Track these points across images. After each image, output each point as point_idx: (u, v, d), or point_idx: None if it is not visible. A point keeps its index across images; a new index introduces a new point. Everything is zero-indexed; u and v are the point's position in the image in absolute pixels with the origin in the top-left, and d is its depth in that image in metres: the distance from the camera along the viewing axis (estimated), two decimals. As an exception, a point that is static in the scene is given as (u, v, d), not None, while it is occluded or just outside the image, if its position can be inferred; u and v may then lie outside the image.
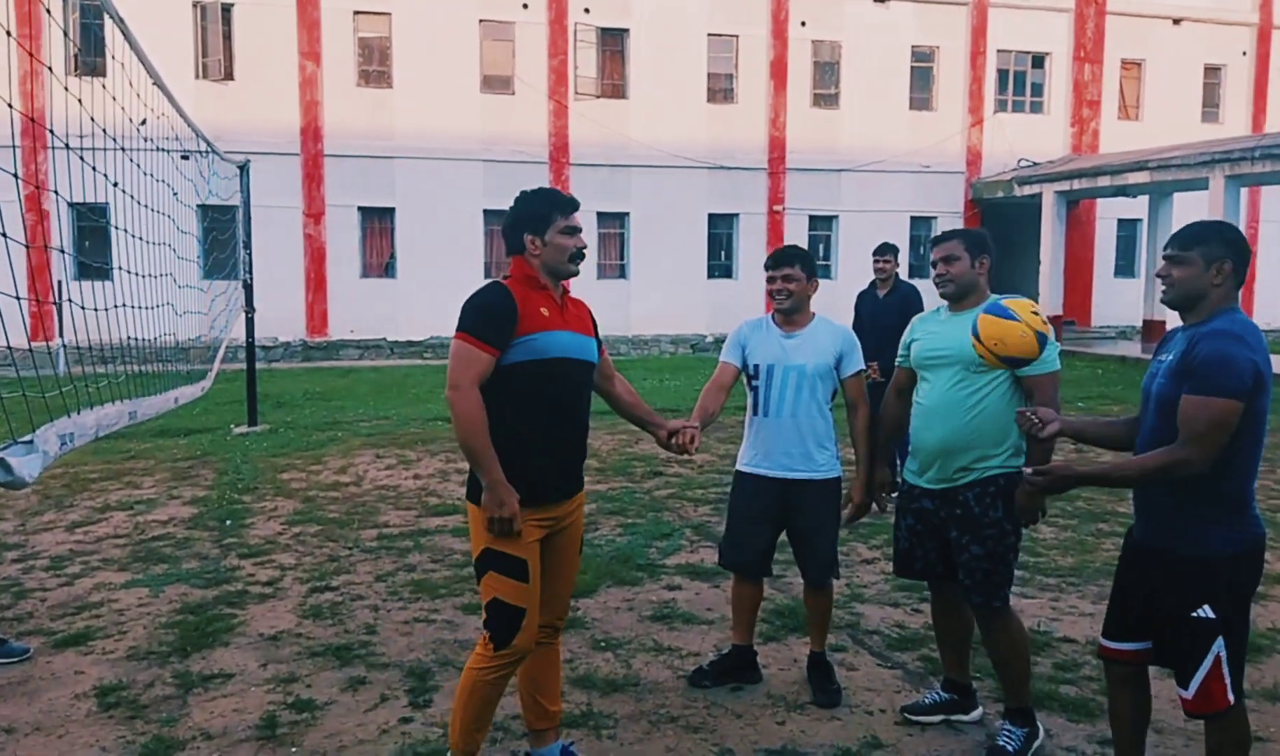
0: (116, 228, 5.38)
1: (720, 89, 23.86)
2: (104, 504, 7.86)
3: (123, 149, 5.05)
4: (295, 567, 6.12)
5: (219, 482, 8.63)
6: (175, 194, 6.38)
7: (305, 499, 8.01)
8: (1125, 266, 26.57)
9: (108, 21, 4.69)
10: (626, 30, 22.96)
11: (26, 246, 3.93)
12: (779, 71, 23.78)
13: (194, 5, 20.67)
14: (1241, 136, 22.97)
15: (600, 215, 22.45)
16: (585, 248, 3.45)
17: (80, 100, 4.22)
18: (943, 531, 3.82)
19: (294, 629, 5.06)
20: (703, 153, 23.37)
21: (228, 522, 7.24)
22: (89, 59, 19.49)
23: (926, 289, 5.36)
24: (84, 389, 4.32)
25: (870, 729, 3.95)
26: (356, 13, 21.46)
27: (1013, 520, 3.69)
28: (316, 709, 4.12)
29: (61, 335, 14.54)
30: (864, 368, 4.29)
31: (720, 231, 24.18)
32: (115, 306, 4.96)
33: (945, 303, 3.95)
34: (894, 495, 4.22)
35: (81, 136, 4.25)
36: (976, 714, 4.02)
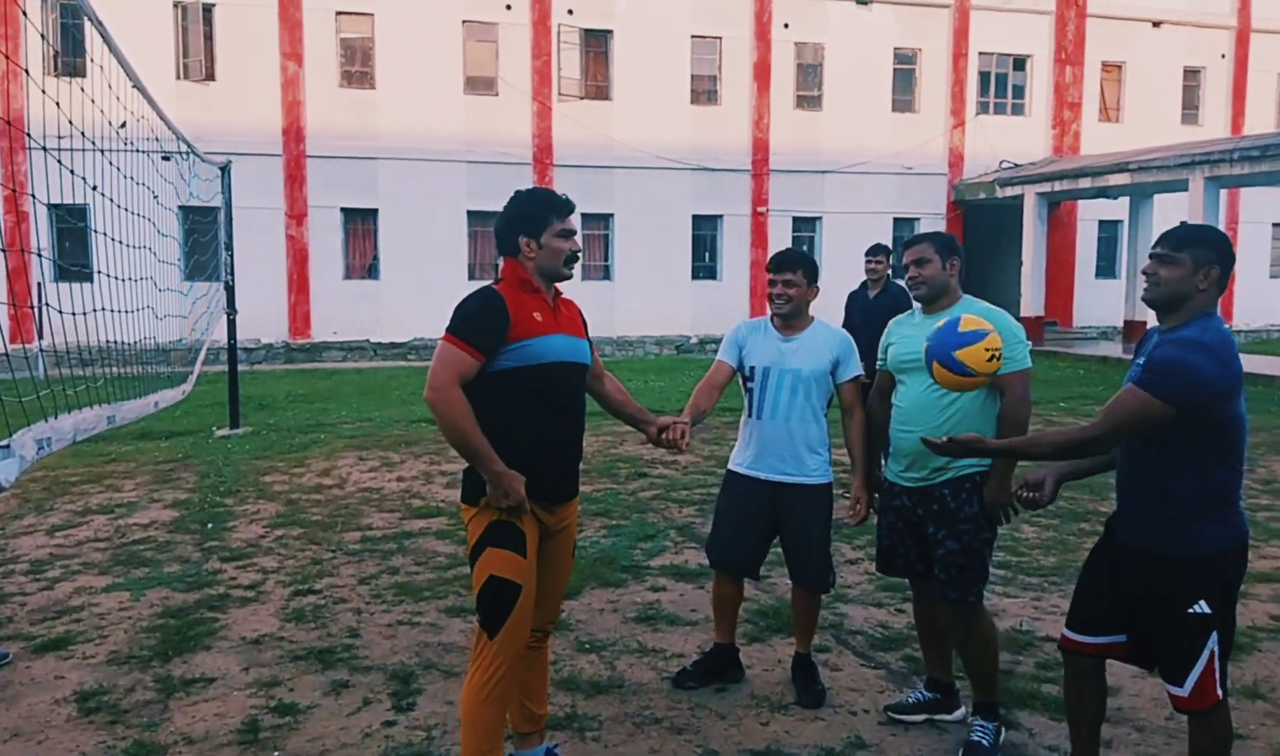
0: (95, 231, 5.34)
1: (704, 90, 23.89)
2: (84, 507, 7.81)
3: (101, 151, 5.02)
4: (278, 571, 6.09)
5: (201, 485, 8.58)
6: (155, 196, 6.34)
7: (288, 502, 7.97)
8: (1106, 267, 26.74)
9: (87, 22, 4.66)
10: (610, 31, 22.96)
11: (3, 250, 3.90)
12: (762, 73, 23.83)
13: (175, 5, 20.56)
14: (1221, 138, 23.16)
15: (584, 216, 22.43)
16: (580, 251, 3.45)
17: (58, 102, 4.19)
18: (921, 528, 3.86)
19: (276, 632, 5.03)
20: (686, 154, 23.39)
21: (209, 526, 7.20)
22: (69, 60, 19.36)
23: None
24: (63, 393, 4.29)
25: (854, 729, 3.96)
26: (339, 13, 21.38)
27: (987, 516, 3.73)
28: (299, 712, 4.10)
29: (41, 338, 14.46)
30: (860, 373, 4.28)
31: (704, 233, 24.20)
32: (94, 310, 4.92)
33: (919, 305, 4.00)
34: (876, 495, 4.24)
35: (59, 138, 4.22)
36: (959, 713, 4.03)
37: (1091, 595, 3.24)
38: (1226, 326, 2.99)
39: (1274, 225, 27.92)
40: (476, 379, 3.13)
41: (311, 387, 16.36)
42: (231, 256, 11.66)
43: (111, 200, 5.39)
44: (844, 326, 7.19)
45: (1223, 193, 20.92)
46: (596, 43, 23.08)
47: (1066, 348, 22.24)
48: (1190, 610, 2.96)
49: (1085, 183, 21.82)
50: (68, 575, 6.03)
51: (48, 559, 6.38)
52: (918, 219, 24.87)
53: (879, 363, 4.12)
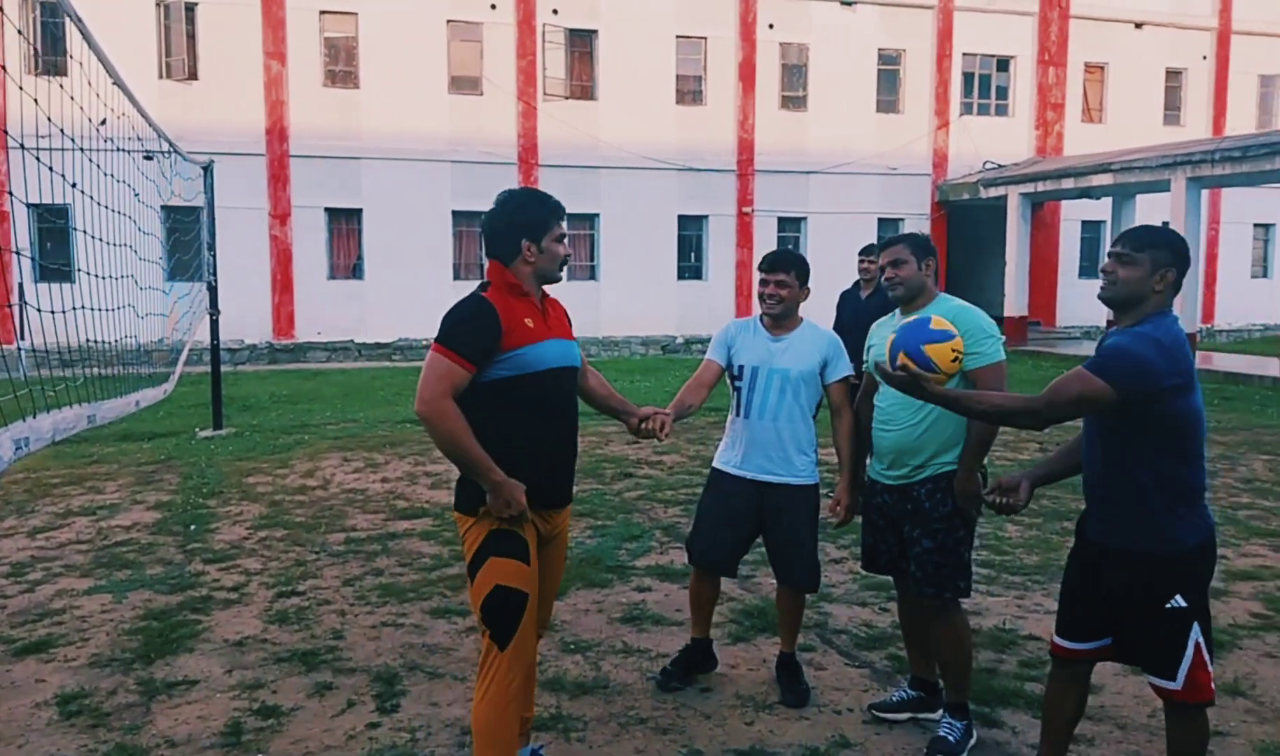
0: (76, 229, 5.31)
1: (689, 91, 23.91)
2: (66, 509, 7.75)
3: (82, 149, 4.98)
4: (261, 572, 6.06)
5: (184, 487, 8.53)
6: (137, 195, 6.30)
7: (271, 503, 7.94)
8: (1089, 267, 26.87)
9: (68, 20, 4.63)
10: (595, 31, 22.95)
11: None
12: (747, 73, 23.86)
13: (157, 4, 20.44)
14: (1202, 139, 23.33)
15: (570, 217, 22.29)
16: (570, 253, 3.45)
17: (36, 100, 4.15)
18: (900, 526, 3.89)
19: (260, 634, 5.01)
20: (672, 154, 23.40)
21: (192, 527, 7.15)
22: (50, 58, 19.22)
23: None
24: (43, 392, 4.25)
25: (838, 728, 3.97)
26: (322, 12, 21.30)
27: (962, 514, 3.75)
28: (282, 715, 4.08)
29: (22, 338, 14.36)
30: (849, 374, 4.29)
31: (690, 233, 24.22)
32: (75, 308, 4.89)
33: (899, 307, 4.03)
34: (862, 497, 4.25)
35: (39, 137, 4.19)
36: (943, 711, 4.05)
37: (1074, 600, 3.26)
38: (1181, 327, 3.04)
39: (1255, 225, 28.15)
40: (469, 388, 3.08)
41: (295, 388, 16.29)
42: (214, 256, 11.60)
43: (93, 199, 5.35)
44: (835, 326, 7.21)
45: (1204, 193, 21.07)
46: (581, 42, 23.07)
47: (1050, 347, 22.35)
48: (1168, 605, 2.99)
49: (1068, 183, 21.95)
50: (49, 577, 5.98)
51: (29, 561, 6.33)
52: (902, 219, 24.95)
53: (864, 364, 4.14)
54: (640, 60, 23.15)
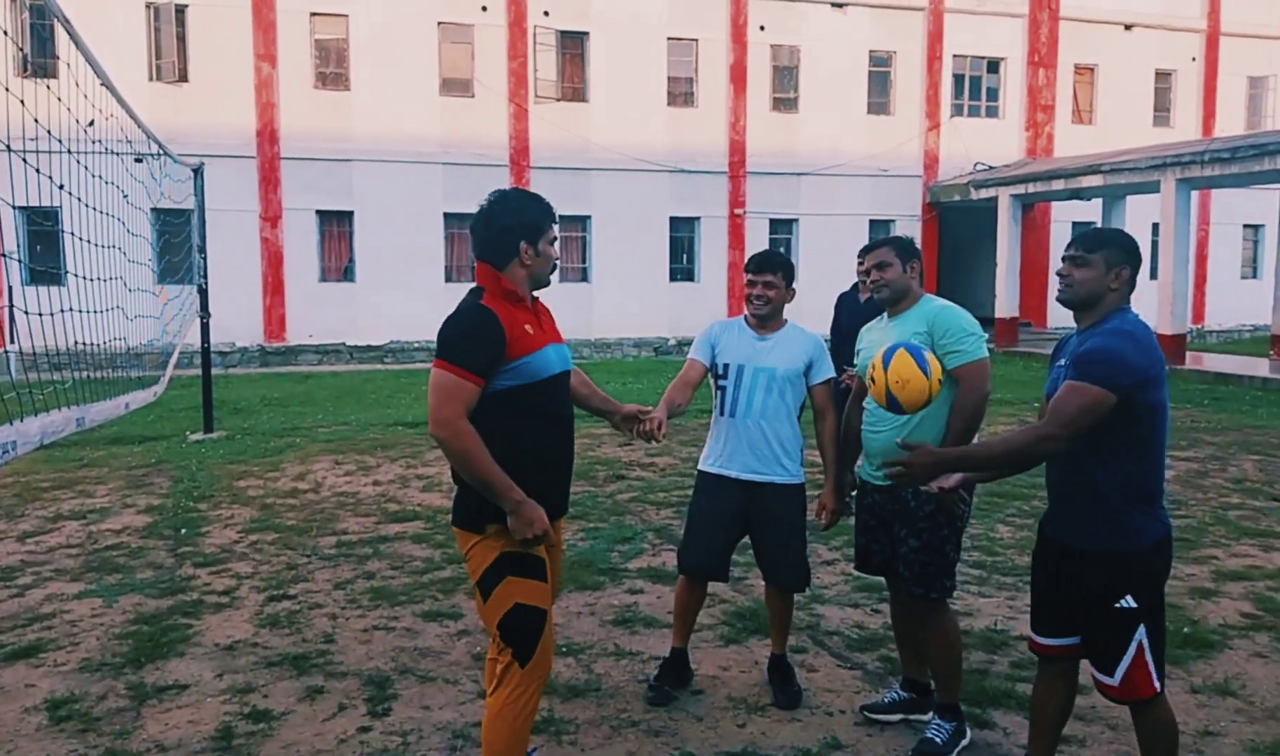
0: (65, 232, 5.28)
1: (680, 93, 23.92)
2: (56, 513, 7.72)
3: (69, 151, 4.96)
4: (252, 576, 6.04)
5: (174, 490, 8.50)
6: (126, 197, 6.28)
7: (262, 506, 7.92)
8: (1080, 268, 26.90)
9: (57, 22, 4.61)
10: (586, 33, 22.95)
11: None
12: (738, 75, 23.89)
13: (147, 6, 20.37)
14: (1192, 140, 23.41)
15: (562, 218, 22.25)
16: (559, 256, 3.42)
17: (23, 102, 4.14)
18: (891, 526, 3.90)
19: (250, 638, 5.00)
20: (663, 156, 23.41)
21: (183, 531, 7.13)
22: (40, 60, 19.15)
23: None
24: (32, 395, 4.23)
25: (830, 729, 3.97)
26: (313, 14, 21.25)
27: (947, 513, 3.76)
28: (273, 719, 4.07)
29: (13, 341, 14.31)
30: (834, 376, 4.31)
31: (682, 234, 24.23)
32: (64, 310, 4.87)
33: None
34: (854, 493, 4.27)
35: (25, 139, 4.17)
36: (935, 713, 4.06)
37: (1044, 598, 3.30)
38: (1144, 321, 3.11)
39: (1245, 226, 28.26)
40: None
41: (287, 391, 16.26)
42: (205, 259, 11.57)
43: (81, 201, 5.34)
44: (832, 328, 7.20)
45: (1194, 194, 21.14)
46: (573, 44, 23.06)
47: (1040, 348, 22.37)
48: (1117, 605, 3.03)
49: (1058, 184, 22.01)
50: (39, 582, 5.96)
51: (18, 565, 6.30)
52: (893, 221, 24.99)
53: (856, 368, 4.16)
54: (631, 62, 23.16)
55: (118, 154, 6.29)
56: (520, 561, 3.04)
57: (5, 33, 18.21)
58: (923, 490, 3.59)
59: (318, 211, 21.64)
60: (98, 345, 5.93)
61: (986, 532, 6.85)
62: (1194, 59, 27.75)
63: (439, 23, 21.95)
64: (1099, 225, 23.08)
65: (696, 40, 23.73)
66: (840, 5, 24.62)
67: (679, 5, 23.47)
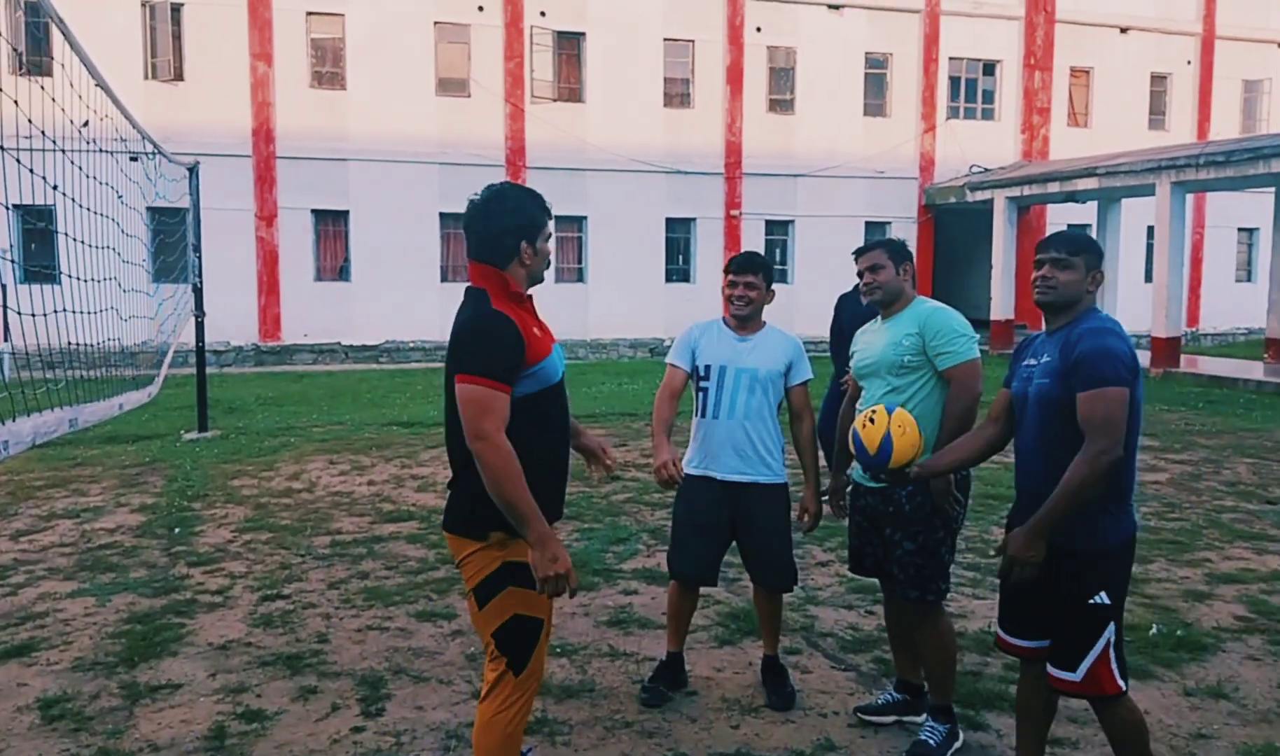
0: (58, 232, 5.27)
1: (677, 94, 23.93)
2: (50, 512, 7.70)
3: (63, 151, 4.95)
4: (246, 576, 6.03)
5: (168, 489, 8.49)
6: (120, 197, 6.27)
7: (257, 506, 7.91)
8: (1075, 271, 26.94)
9: (51, 21, 4.60)
10: (583, 34, 22.95)
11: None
12: (735, 77, 23.90)
13: (143, 5, 20.35)
14: (1187, 143, 23.46)
15: (558, 219, 22.36)
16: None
17: (16, 101, 4.13)
18: (882, 528, 3.91)
19: (244, 638, 4.99)
20: (660, 157, 23.42)
21: (177, 530, 7.12)
22: (34, 59, 19.12)
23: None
24: (25, 395, 4.22)
25: (824, 731, 3.97)
26: (309, 14, 21.24)
27: (941, 516, 3.77)
28: (266, 719, 4.06)
29: (8, 340, 14.26)
30: (811, 377, 4.33)
31: (678, 236, 24.24)
32: (58, 311, 4.86)
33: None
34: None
35: (18, 138, 4.16)
36: (929, 715, 4.06)
37: (1013, 596, 3.32)
38: (1113, 316, 3.23)
39: (1239, 230, 28.32)
40: None
41: (281, 390, 16.24)
42: (200, 258, 11.56)
43: (75, 201, 5.32)
44: (833, 329, 7.20)
45: (1189, 197, 21.19)
46: (569, 45, 23.07)
47: (1036, 350, 22.41)
48: (1092, 601, 3.08)
49: (1054, 187, 22.04)
50: (32, 580, 5.95)
51: (11, 564, 6.29)
52: (889, 223, 25.01)
53: (851, 370, 4.18)
54: (628, 63, 23.16)
55: (112, 153, 6.27)
56: (523, 571, 2.89)
57: (1, 34, 18.20)
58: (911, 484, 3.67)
59: (313, 211, 21.63)
60: (92, 345, 5.92)
61: (981, 535, 6.86)
62: (1189, 62, 27.82)
63: (435, 22, 21.95)
64: (1094, 228, 23.24)
65: (693, 41, 23.74)
66: (837, 7, 24.65)
67: (675, 6, 23.48)
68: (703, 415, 4.26)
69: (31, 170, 4.08)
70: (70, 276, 5.39)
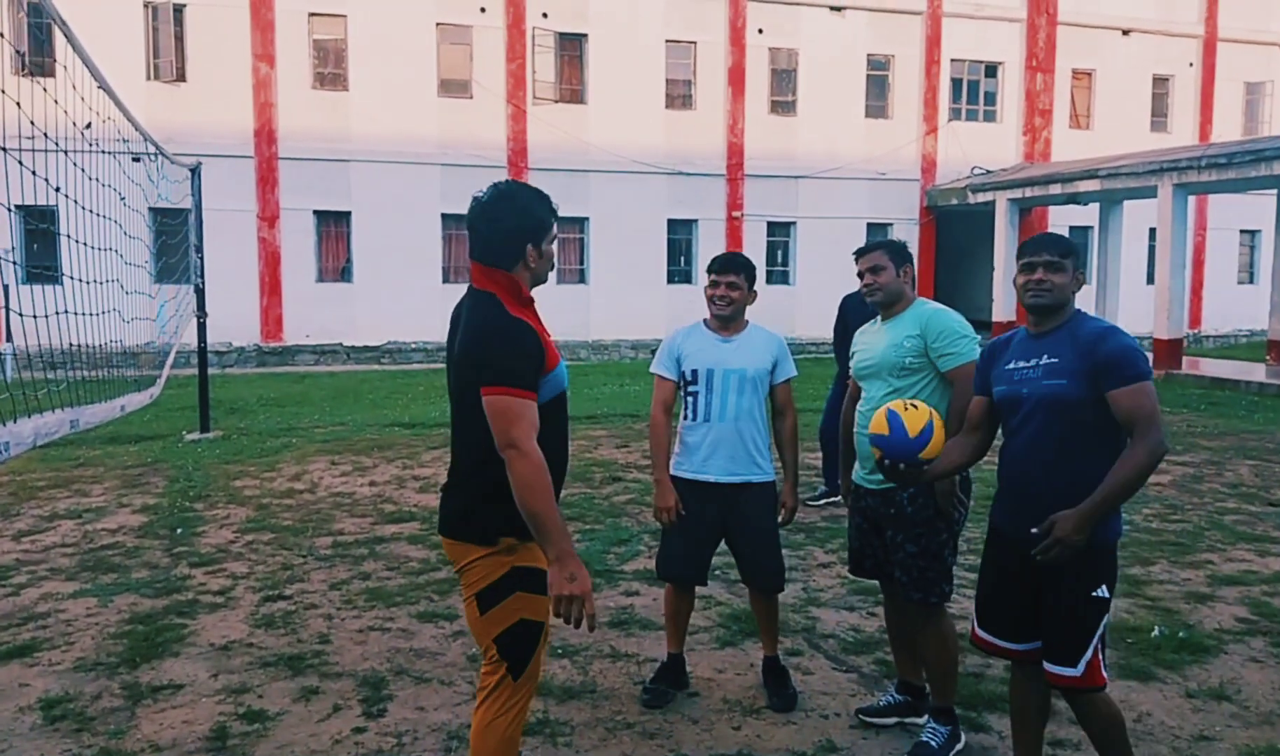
0: (60, 233, 5.27)
1: (679, 95, 23.93)
2: (52, 512, 7.71)
3: (65, 152, 4.96)
4: (248, 576, 6.04)
5: (170, 490, 8.49)
6: (123, 198, 6.27)
7: (259, 506, 7.91)
8: (1077, 272, 26.93)
9: (53, 22, 4.60)
10: (585, 35, 22.97)
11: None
12: (737, 78, 23.90)
13: (145, 6, 20.38)
14: (1189, 146, 23.45)
15: (560, 220, 22.34)
16: None
17: (19, 102, 4.13)
18: (883, 530, 3.91)
19: (246, 638, 4.99)
20: (661, 158, 23.43)
21: (179, 531, 7.13)
22: (36, 60, 19.13)
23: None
24: (27, 396, 4.22)
25: (825, 732, 3.97)
26: (311, 15, 21.26)
27: (944, 518, 3.77)
28: (268, 719, 4.07)
29: (10, 340, 14.28)
30: (795, 375, 4.36)
31: (679, 237, 24.24)
32: (60, 312, 4.86)
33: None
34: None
35: (21, 138, 4.16)
36: (930, 716, 4.06)
37: (996, 596, 3.35)
38: None
39: (1241, 231, 28.31)
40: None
41: (283, 391, 16.25)
42: (202, 259, 11.57)
43: (77, 203, 5.32)
44: (836, 330, 7.20)
45: (1191, 199, 21.18)
46: (571, 46, 23.08)
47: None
48: (1094, 593, 3.12)
49: (1056, 189, 22.04)
50: (34, 581, 5.95)
51: (13, 565, 6.29)
52: (891, 224, 25.01)
53: (851, 371, 4.18)
54: (630, 64, 23.17)
55: (114, 154, 6.28)
56: (531, 575, 2.84)
57: (2, 35, 18.19)
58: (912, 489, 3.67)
59: (315, 212, 21.64)
60: (94, 346, 5.92)
61: (983, 536, 6.84)
62: (1191, 64, 27.81)
63: (437, 24, 21.97)
64: (1096, 230, 23.24)
65: (695, 43, 23.75)
66: (838, 9, 24.65)
67: (677, 8, 23.49)
68: (694, 419, 4.23)
69: (34, 171, 4.09)
70: (72, 277, 5.39)
